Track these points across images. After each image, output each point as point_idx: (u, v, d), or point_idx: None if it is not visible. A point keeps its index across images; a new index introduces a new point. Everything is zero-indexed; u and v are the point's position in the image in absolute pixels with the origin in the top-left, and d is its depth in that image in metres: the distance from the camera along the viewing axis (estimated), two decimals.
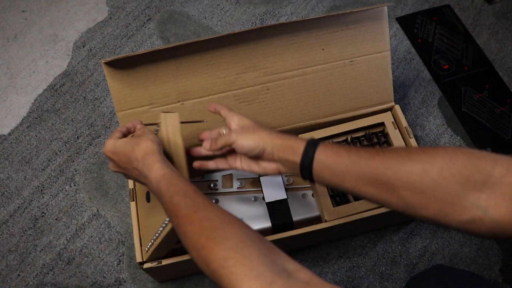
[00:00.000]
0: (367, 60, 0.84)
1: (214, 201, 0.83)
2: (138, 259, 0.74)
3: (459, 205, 0.47)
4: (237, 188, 0.85)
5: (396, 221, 0.92)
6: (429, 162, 0.49)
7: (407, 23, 1.19)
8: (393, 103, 0.88)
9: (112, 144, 0.62)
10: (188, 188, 0.55)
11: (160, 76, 0.78)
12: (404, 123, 0.86)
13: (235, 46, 0.78)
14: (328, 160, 0.55)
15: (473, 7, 1.21)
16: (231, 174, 0.86)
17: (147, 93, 0.79)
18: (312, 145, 0.57)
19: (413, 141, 0.84)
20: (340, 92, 0.85)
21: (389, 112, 0.89)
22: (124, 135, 0.65)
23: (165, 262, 0.74)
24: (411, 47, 1.15)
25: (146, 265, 0.74)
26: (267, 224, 0.81)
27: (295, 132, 0.87)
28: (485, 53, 1.13)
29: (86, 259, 0.90)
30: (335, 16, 0.78)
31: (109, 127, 1.05)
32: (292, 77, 0.83)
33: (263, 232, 0.80)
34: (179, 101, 0.81)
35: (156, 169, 0.57)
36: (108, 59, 0.73)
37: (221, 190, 0.85)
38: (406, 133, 0.85)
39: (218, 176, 0.86)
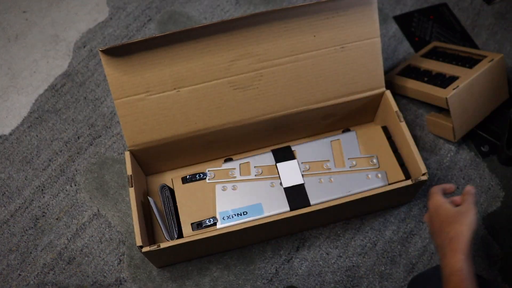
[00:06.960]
0: (357, 46, 0.86)
1: (232, 187, 0.86)
2: (138, 243, 0.75)
3: None
4: (255, 175, 0.88)
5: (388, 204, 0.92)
6: None
7: (404, 22, 1.20)
8: (384, 89, 0.90)
9: (440, 201, 0.65)
10: None
11: (156, 63, 0.79)
12: (394, 107, 0.88)
13: (229, 33, 0.80)
14: None
15: (472, 7, 1.22)
16: (248, 162, 0.89)
17: (143, 81, 0.80)
18: None
19: (403, 125, 0.86)
20: (332, 78, 0.87)
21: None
22: (444, 193, 0.68)
23: (163, 245, 0.76)
24: (410, 47, 1.16)
25: (144, 249, 0.75)
26: (285, 208, 0.84)
27: (288, 117, 0.88)
28: None
29: (86, 258, 0.91)
30: (325, 2, 0.80)
31: (110, 127, 1.05)
32: (285, 63, 0.84)
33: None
34: (174, 89, 0.82)
35: (457, 260, 0.58)
36: (105, 47, 0.74)
37: (239, 177, 0.88)
38: (396, 117, 0.87)
39: (236, 164, 0.89)
